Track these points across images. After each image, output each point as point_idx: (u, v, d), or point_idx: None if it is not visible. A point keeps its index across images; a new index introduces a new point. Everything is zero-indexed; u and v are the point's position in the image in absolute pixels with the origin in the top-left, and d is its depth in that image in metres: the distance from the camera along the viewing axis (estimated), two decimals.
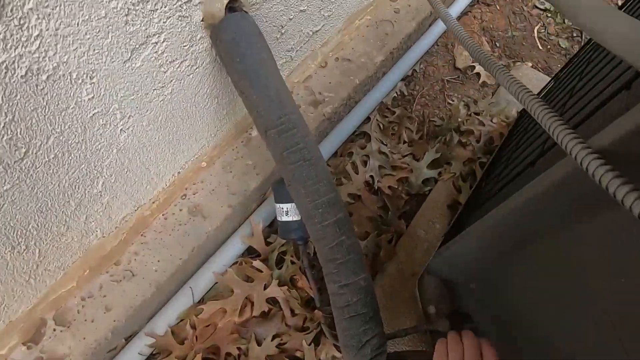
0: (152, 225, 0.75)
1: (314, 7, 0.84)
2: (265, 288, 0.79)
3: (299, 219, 0.72)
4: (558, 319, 0.52)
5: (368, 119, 1.11)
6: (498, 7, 1.49)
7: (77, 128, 0.53)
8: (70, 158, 0.54)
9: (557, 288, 0.52)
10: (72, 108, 0.50)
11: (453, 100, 1.22)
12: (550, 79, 1.20)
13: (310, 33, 0.89)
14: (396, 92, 1.20)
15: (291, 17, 0.79)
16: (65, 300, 0.68)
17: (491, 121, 1.13)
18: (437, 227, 0.95)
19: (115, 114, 0.56)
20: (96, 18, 0.46)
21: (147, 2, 0.50)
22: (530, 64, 1.37)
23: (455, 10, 1.28)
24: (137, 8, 0.49)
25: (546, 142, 0.57)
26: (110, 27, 0.48)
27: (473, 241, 0.66)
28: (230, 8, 0.61)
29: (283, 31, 0.80)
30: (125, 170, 0.65)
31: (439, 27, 1.23)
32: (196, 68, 0.65)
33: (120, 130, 0.59)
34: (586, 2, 0.38)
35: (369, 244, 0.91)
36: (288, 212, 0.73)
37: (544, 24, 1.50)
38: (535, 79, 1.29)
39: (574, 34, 1.48)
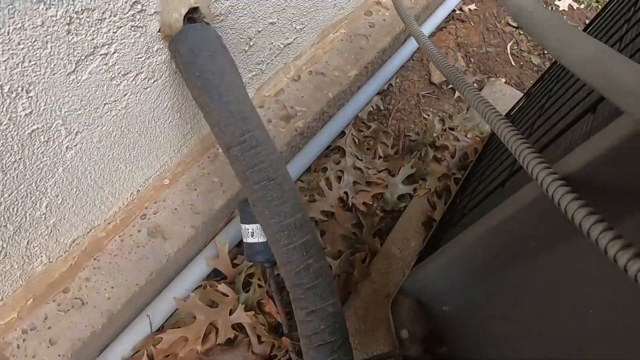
0: (107, 248, 0.70)
1: (284, 20, 0.82)
2: (230, 313, 0.74)
3: (265, 240, 0.68)
4: (532, 343, 0.50)
5: (343, 133, 1.09)
6: (472, 24, 1.51)
7: (13, 146, 0.48)
8: (5, 178, 0.49)
9: (529, 312, 0.50)
10: (4, 124, 0.45)
11: (428, 115, 1.21)
12: (522, 94, 1.21)
13: (282, 46, 0.87)
14: (372, 106, 1.18)
15: (260, 29, 0.77)
16: (4, 334, 0.61)
17: (466, 136, 1.13)
18: (412, 245, 0.93)
19: (60, 130, 0.52)
20: (31, 27, 0.42)
21: (93, 10, 0.46)
22: (503, 80, 1.39)
23: (430, 26, 1.29)
24: (81, 17, 0.45)
25: (515, 163, 0.55)
26: (49, 37, 0.44)
27: (445, 263, 0.64)
28: (190, 19, 0.58)
29: (251, 43, 0.77)
30: (74, 190, 0.60)
31: (414, 43, 1.23)
32: (154, 81, 0.61)
33: (67, 147, 0.54)
34: (551, 24, 0.37)
35: (342, 263, 0.88)
36: (254, 234, 0.69)
37: (516, 41, 1.53)
38: (509, 95, 1.30)
39: (545, 51, 1.52)
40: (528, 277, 0.47)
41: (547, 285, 0.45)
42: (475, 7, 1.54)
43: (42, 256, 0.61)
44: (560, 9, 1.64)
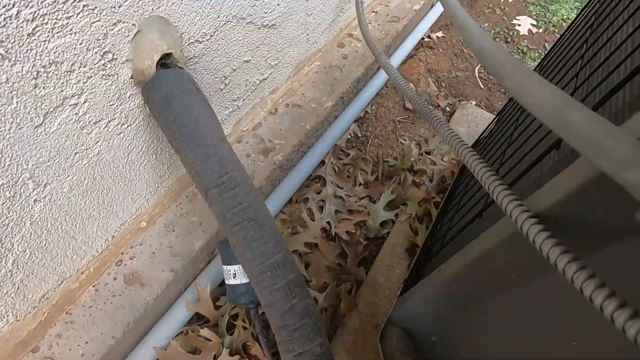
0: (80, 300, 0.66)
1: (258, 57, 0.83)
2: (214, 359, 0.71)
3: (248, 281, 0.67)
4: None
5: (323, 162, 1.10)
6: (441, 50, 1.58)
7: None
8: None
9: (515, 343, 0.50)
10: None
11: (405, 140, 1.24)
12: (493, 117, 1.26)
13: (257, 82, 0.88)
14: (350, 134, 1.20)
15: (235, 67, 0.77)
16: None
17: (442, 160, 1.16)
18: (396, 272, 0.93)
19: (27, 183, 0.50)
20: None
21: (62, 63, 0.46)
22: (474, 102, 1.44)
23: (401, 54, 1.34)
24: (48, 70, 0.45)
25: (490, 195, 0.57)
26: (14, 93, 0.43)
27: (429, 294, 0.64)
28: (163, 64, 0.58)
29: (227, 82, 0.77)
30: (44, 242, 0.57)
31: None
32: (127, 126, 0.60)
33: (35, 200, 0.52)
34: (510, 67, 0.38)
35: (328, 296, 0.86)
36: (236, 275, 0.67)
37: (483, 65, 1.60)
38: (480, 117, 1.35)
39: None
40: (511, 308, 0.47)
41: (530, 316, 0.45)
42: (442, 35, 1.62)
43: (8, 315, 0.57)
44: (521, 33, 1.74)
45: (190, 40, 0.63)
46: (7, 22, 0.39)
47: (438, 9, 1.49)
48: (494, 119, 1.06)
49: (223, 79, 0.76)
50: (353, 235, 1.00)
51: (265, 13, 0.77)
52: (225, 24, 0.68)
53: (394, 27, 1.26)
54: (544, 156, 0.40)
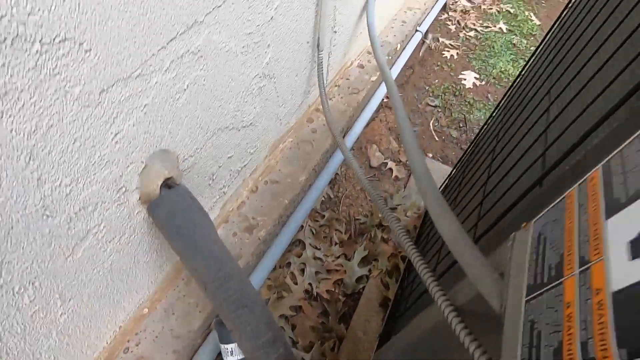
0: None
1: (240, 149, 0.97)
2: None
3: (244, 357, 0.77)
4: None
5: (301, 226, 1.22)
6: None
7: (17, 329, 0.55)
8: (7, 358, 0.55)
9: None
10: (12, 316, 0.53)
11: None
12: (448, 168, 1.45)
13: (240, 169, 1.01)
14: (324, 196, 1.34)
15: (220, 164, 0.91)
16: None
17: (405, 215, 1.31)
18: (373, 326, 1.05)
19: (56, 302, 0.60)
20: (40, 236, 0.52)
21: (88, 206, 0.57)
22: (431, 155, 1.64)
23: (364, 119, 1.52)
24: (78, 214, 0.56)
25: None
26: (52, 238, 0.54)
27: (398, 352, 0.76)
28: (165, 185, 0.70)
29: (214, 177, 0.90)
30: (65, 346, 0.66)
31: (352, 136, 1.44)
32: (135, 236, 0.71)
33: (60, 314, 0.62)
34: (434, 203, 0.54)
35: (314, 355, 0.97)
36: (233, 352, 0.78)
37: (436, 118, 1.82)
38: (437, 169, 1.54)
39: (461, 125, 1.82)
40: None
41: None
42: (399, 94, 1.83)
43: None
44: (467, 87, 1.99)
45: (185, 157, 0.76)
46: (52, 190, 0.51)
47: (393, 75, 1.70)
48: (449, 175, 1.23)
49: (211, 175, 0.89)
50: (333, 293, 1.12)
51: (245, 117, 0.92)
52: (212, 136, 0.82)
53: (355, 99, 1.44)
54: (479, 240, 0.55)
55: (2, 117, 0.41)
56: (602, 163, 0.30)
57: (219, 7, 0.66)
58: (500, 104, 1.11)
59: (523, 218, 0.39)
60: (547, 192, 0.43)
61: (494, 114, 1.09)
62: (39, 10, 0.40)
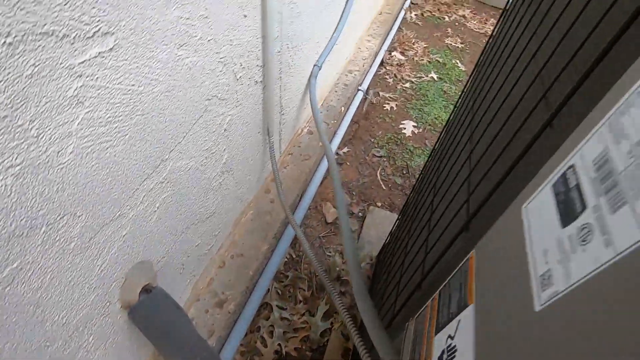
0: None
1: (205, 236, 1.11)
2: None
3: None
4: None
5: (268, 289, 1.36)
6: (348, 163, 1.99)
7: None
8: None
9: None
10: None
11: (330, 252, 1.56)
12: (395, 215, 1.64)
13: (207, 251, 1.14)
14: (286, 257, 1.49)
15: (189, 254, 1.04)
16: None
17: (359, 266, 1.48)
18: None
19: None
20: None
21: (79, 327, 0.69)
22: (379, 204, 1.84)
23: (318, 178, 1.70)
24: (72, 336, 0.67)
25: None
26: None
27: None
28: (144, 289, 0.82)
29: (184, 266, 1.03)
30: None
31: (307, 198, 1.61)
32: (118, 337, 0.82)
33: None
34: (367, 322, 0.70)
35: None
36: None
37: (383, 167, 2.04)
38: (384, 217, 1.74)
39: (404, 171, 2.05)
40: None
41: None
42: (347, 149, 2.05)
43: None
44: (407, 135, 2.25)
45: (158, 260, 0.89)
46: (52, 325, 0.62)
47: (338, 139, 1.91)
48: (390, 232, 1.42)
49: (181, 266, 1.01)
50: (300, 350, 1.25)
51: (208, 210, 1.06)
52: (180, 235, 0.95)
53: (307, 165, 1.62)
54: (410, 296, 0.72)
55: (17, 286, 0.53)
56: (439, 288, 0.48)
57: (180, 142, 0.82)
58: (434, 150, 1.27)
59: (432, 290, 0.57)
60: (425, 293, 0.61)
61: (428, 161, 1.27)
62: (46, 205, 0.53)
